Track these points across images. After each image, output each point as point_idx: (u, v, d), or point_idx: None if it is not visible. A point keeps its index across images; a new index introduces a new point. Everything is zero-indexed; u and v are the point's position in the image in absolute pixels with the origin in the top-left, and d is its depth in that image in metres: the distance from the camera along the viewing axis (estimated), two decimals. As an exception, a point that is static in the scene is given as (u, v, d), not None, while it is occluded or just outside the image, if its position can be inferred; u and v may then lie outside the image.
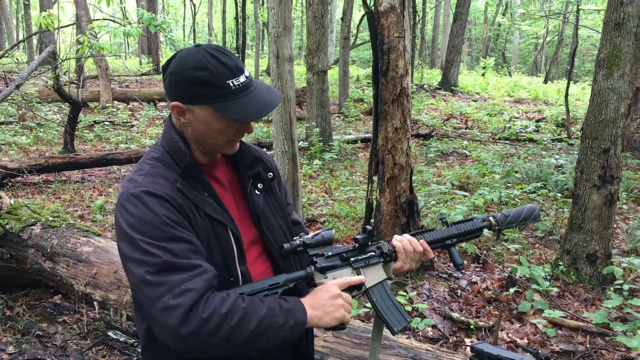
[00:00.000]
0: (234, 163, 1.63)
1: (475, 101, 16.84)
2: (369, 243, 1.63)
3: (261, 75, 20.14)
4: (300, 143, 8.88)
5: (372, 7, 4.56)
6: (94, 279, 3.33)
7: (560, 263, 4.90)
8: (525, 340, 3.95)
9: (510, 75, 25.16)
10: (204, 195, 1.46)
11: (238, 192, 1.62)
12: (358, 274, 1.57)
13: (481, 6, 31.86)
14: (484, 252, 5.42)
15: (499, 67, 28.11)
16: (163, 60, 21.54)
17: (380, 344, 1.74)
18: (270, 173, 1.66)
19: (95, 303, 3.33)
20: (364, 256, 1.60)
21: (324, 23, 8.86)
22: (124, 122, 11.85)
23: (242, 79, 1.42)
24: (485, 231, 1.79)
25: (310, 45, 8.79)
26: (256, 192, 1.61)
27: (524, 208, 1.79)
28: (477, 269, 5.05)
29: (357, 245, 1.61)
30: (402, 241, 1.66)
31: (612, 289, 4.64)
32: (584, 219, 4.83)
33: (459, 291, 4.58)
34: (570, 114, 12.00)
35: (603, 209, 4.79)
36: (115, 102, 13.52)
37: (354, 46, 20.42)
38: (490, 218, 1.76)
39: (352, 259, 1.58)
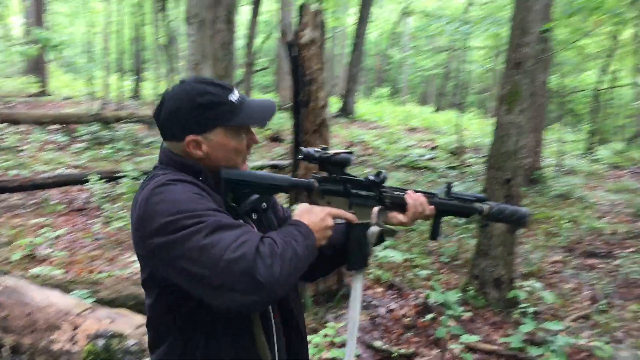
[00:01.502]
0: None
1: (373, 129, 17.40)
2: (379, 184, 1.63)
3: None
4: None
5: (292, 39, 4.59)
6: (3, 321, 3.01)
7: (470, 288, 5.12)
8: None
9: (403, 104, 26.32)
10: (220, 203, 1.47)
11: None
12: (350, 208, 1.60)
13: (374, 38, 33.22)
14: (398, 278, 5.55)
15: (393, 96, 29.35)
16: (52, 81, 20.37)
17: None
18: (264, 203, 1.63)
19: (6, 348, 3.01)
20: (364, 193, 1.61)
21: (230, 49, 8.80)
22: (11, 147, 10.98)
23: (236, 93, 1.49)
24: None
25: (217, 72, 8.67)
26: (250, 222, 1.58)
27: (519, 210, 1.69)
28: (394, 296, 5.15)
29: (367, 181, 1.62)
30: (416, 200, 1.64)
31: (517, 312, 4.91)
32: (490, 245, 5.09)
33: (378, 319, 4.64)
34: (460, 142, 12.73)
35: (507, 236, 5.08)
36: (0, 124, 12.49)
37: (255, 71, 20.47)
38: (485, 205, 1.68)
39: (352, 192, 1.60)
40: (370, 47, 36.07)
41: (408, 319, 4.65)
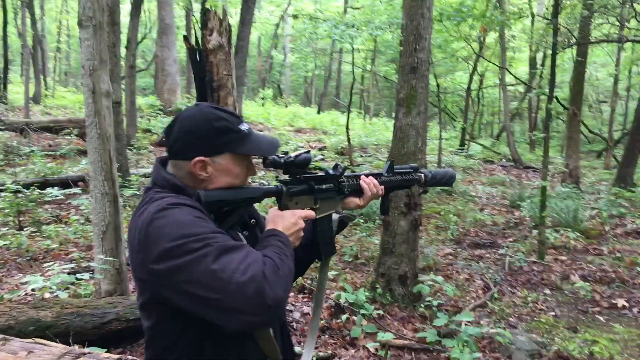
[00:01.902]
0: None
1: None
2: (339, 176, 1.78)
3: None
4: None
5: (195, 44, 4.45)
6: None
7: (377, 286, 5.28)
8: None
9: (287, 106, 26.51)
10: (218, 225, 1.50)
11: None
12: (316, 204, 1.73)
13: (254, 39, 33.12)
14: (308, 281, 5.59)
15: (277, 97, 29.46)
16: None
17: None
18: (253, 220, 1.70)
19: None
20: (325, 187, 1.74)
21: (115, 52, 8.40)
22: None
23: (245, 124, 1.58)
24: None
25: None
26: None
27: (447, 171, 2.06)
28: (306, 299, 5.18)
29: (326, 174, 1.76)
30: (369, 183, 1.85)
31: (422, 305, 5.14)
32: (394, 243, 5.28)
33: (294, 324, 4.64)
34: (349, 142, 13.08)
35: (410, 233, 5.30)
36: None
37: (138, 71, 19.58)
38: (421, 174, 1.99)
39: (316, 188, 1.71)
40: (251, 49, 35.97)
41: (322, 321, 4.70)
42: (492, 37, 18.41)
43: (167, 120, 15.13)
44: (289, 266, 1.43)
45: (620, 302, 5.70)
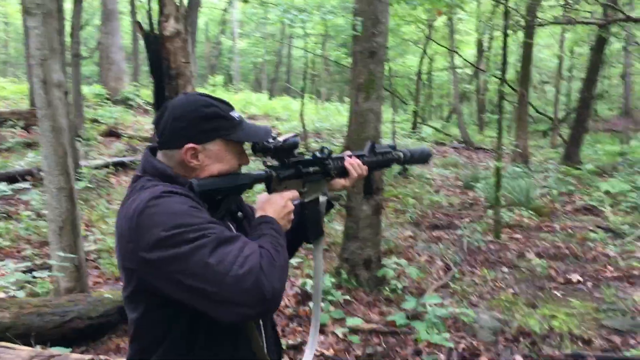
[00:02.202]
0: None
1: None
2: (326, 159, 1.77)
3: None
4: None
5: (149, 31, 4.31)
6: None
7: (342, 271, 5.29)
8: (331, 351, 4.17)
9: (237, 92, 26.17)
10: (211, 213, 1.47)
11: None
12: (304, 187, 1.73)
13: (201, 25, 32.50)
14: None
15: (227, 84, 29.02)
16: None
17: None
18: (240, 212, 1.67)
19: None
20: (312, 170, 1.73)
21: (61, 40, 8.05)
22: None
23: (236, 112, 1.54)
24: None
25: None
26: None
27: (424, 149, 2.11)
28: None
29: (315, 158, 1.75)
30: (353, 165, 1.83)
31: (387, 288, 5.19)
32: (357, 228, 5.30)
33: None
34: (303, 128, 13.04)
35: (373, 218, 5.32)
36: None
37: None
38: (400, 153, 2.02)
39: (304, 171, 1.70)
40: (199, 35, 35.30)
41: (290, 309, 4.68)
42: (440, 21, 18.62)
43: (115, 109, 14.71)
44: (285, 257, 1.43)
45: (575, 277, 5.91)
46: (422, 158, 2.11)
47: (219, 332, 1.47)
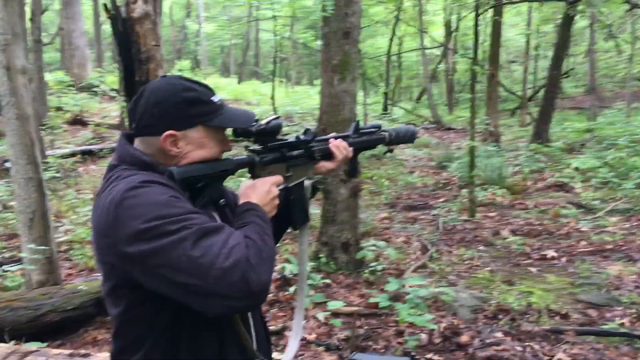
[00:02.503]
0: None
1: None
2: (310, 141, 1.72)
3: None
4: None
5: (114, 12, 4.14)
6: None
7: (321, 255, 5.26)
8: (314, 335, 4.14)
9: (205, 77, 25.79)
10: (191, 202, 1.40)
11: None
12: (288, 171, 1.67)
13: (165, 8, 31.84)
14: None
15: (194, 69, 28.57)
16: None
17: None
18: (223, 199, 1.57)
19: None
20: (296, 153, 1.68)
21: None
22: None
23: (217, 96, 1.48)
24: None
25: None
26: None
27: (409, 128, 2.04)
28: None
29: (298, 140, 1.69)
30: (338, 147, 1.76)
31: (366, 271, 5.18)
32: (335, 211, 5.27)
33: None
34: (275, 112, 12.92)
35: (350, 201, 5.29)
36: None
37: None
38: (385, 133, 1.95)
39: (287, 155, 1.65)
40: (163, 18, 34.59)
41: (270, 294, 4.63)
42: (408, 1, 18.59)
43: (80, 96, 14.33)
44: (272, 246, 1.36)
45: (550, 253, 5.99)
46: (408, 137, 2.04)
47: (205, 327, 1.41)
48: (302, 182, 1.74)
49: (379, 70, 23.32)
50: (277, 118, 1.59)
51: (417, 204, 8.13)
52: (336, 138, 1.81)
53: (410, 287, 4.39)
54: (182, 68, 25.23)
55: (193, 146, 1.43)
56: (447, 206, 7.83)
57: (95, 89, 16.16)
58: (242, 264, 1.22)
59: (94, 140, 10.64)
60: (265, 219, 1.44)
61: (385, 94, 18.67)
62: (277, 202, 1.55)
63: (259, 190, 1.52)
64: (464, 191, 8.20)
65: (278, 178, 1.60)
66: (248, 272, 1.22)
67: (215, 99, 1.45)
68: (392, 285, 4.12)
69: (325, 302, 4.34)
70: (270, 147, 1.61)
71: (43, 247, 3.98)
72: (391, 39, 17.70)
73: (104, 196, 1.31)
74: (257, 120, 1.57)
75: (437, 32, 23.25)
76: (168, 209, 1.24)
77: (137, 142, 1.45)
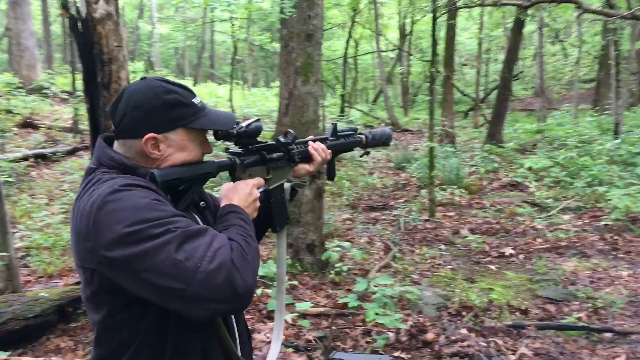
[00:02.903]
0: None
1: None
2: (290, 144, 1.73)
3: None
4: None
5: (74, 13, 4.05)
6: None
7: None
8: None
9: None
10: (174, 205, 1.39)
11: None
12: (269, 174, 1.68)
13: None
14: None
15: (148, 71, 28.07)
16: None
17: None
18: (203, 202, 1.58)
19: None
20: (276, 156, 1.69)
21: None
22: None
23: (198, 97, 1.46)
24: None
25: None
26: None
27: (385, 131, 2.09)
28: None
29: (278, 143, 1.70)
30: (317, 149, 1.79)
31: (331, 272, 5.21)
32: (300, 213, 5.28)
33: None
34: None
35: (315, 202, 5.32)
36: None
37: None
38: (362, 136, 1.99)
39: (267, 157, 1.66)
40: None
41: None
42: (363, 4, 18.78)
43: (30, 99, 13.86)
44: (256, 248, 1.37)
45: (508, 250, 6.17)
46: (384, 140, 2.09)
47: (189, 332, 1.40)
48: (282, 184, 1.76)
49: (335, 72, 23.46)
50: (257, 120, 1.60)
51: (377, 205, 8.23)
52: (315, 141, 1.83)
53: (376, 286, 4.45)
54: (135, 70, 24.78)
55: (174, 149, 1.41)
56: (407, 206, 7.95)
57: (45, 91, 15.68)
58: (226, 266, 1.22)
59: (46, 144, 10.31)
60: (248, 221, 1.44)
61: (342, 96, 18.78)
62: (258, 204, 1.56)
63: (240, 193, 1.52)
64: (424, 191, 8.34)
65: (259, 180, 1.61)
66: (233, 275, 1.22)
67: (196, 100, 1.44)
68: (360, 285, 4.16)
69: (292, 304, 4.34)
70: (250, 149, 1.62)
71: (2, 254, 3.85)
72: (347, 42, 17.83)
73: (84, 200, 1.28)
74: (237, 123, 1.57)
75: (392, 35, 23.59)
76: (151, 213, 1.23)
77: (117, 145, 1.43)
